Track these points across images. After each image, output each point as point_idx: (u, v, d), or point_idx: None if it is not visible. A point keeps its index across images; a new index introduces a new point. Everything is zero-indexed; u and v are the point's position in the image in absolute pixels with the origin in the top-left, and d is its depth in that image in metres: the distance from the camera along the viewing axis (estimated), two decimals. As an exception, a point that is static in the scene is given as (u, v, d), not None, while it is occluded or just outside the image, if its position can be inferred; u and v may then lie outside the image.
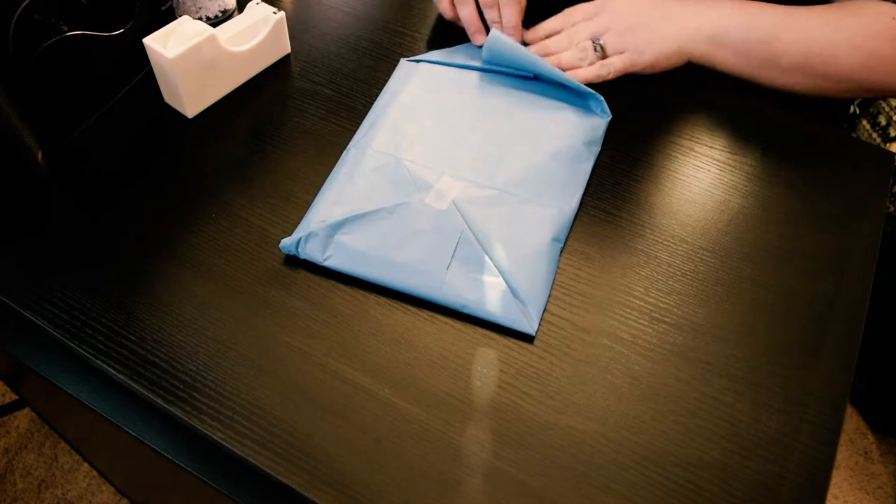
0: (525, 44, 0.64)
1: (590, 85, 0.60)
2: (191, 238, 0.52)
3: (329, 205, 0.52)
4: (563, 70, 0.61)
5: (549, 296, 0.49)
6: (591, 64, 0.61)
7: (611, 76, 0.61)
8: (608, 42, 0.61)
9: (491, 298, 0.47)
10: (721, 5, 0.62)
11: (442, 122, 0.58)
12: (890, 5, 0.59)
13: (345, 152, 0.56)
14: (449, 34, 0.67)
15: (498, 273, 0.48)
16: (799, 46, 0.59)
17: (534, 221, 0.51)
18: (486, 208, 0.52)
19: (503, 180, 0.54)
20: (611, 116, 0.59)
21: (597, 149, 0.58)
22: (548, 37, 0.64)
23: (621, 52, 0.61)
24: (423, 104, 0.59)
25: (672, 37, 0.61)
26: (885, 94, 0.62)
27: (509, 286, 0.48)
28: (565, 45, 0.62)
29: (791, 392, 0.45)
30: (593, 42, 0.61)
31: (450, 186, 0.53)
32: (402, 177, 0.53)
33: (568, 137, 0.57)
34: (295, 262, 0.50)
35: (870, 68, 0.59)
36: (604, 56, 0.61)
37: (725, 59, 0.61)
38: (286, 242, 0.50)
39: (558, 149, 0.56)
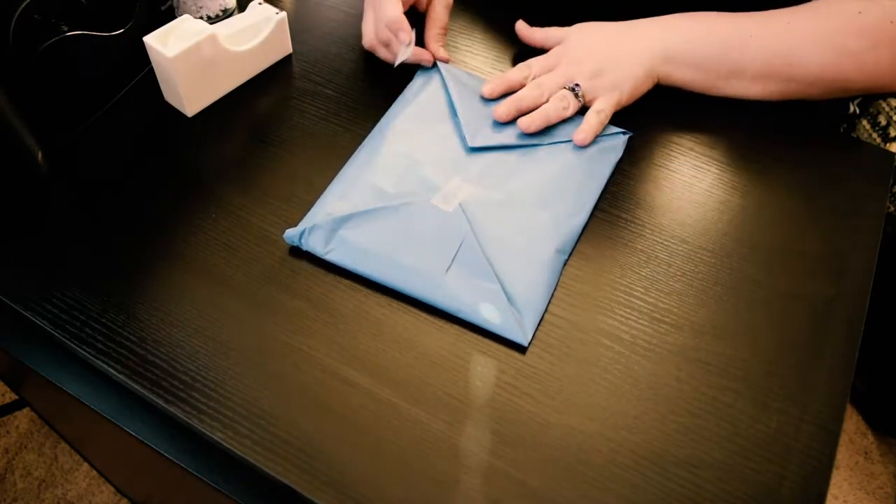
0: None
1: None
2: (191, 238, 0.52)
3: (336, 199, 0.52)
4: (552, 121, 0.58)
5: (549, 305, 0.49)
6: (575, 110, 0.58)
7: (608, 119, 0.58)
8: (584, 88, 0.58)
9: (487, 305, 0.47)
10: (674, 22, 0.60)
11: (458, 126, 0.58)
12: (853, 0, 0.57)
13: (359, 148, 0.57)
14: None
15: (497, 280, 0.48)
16: (762, 52, 0.57)
17: (539, 231, 0.51)
18: (492, 214, 0.51)
19: (513, 187, 0.53)
20: (630, 134, 0.59)
21: (612, 166, 0.57)
22: (510, 91, 0.60)
23: (598, 96, 0.59)
24: (441, 107, 0.59)
25: (636, 62, 0.59)
26: (857, 93, 0.60)
27: (507, 294, 0.47)
28: (538, 96, 0.58)
29: (791, 392, 0.45)
30: (572, 90, 0.58)
31: (458, 189, 0.53)
32: (411, 176, 0.53)
33: (585, 152, 0.57)
34: (295, 262, 0.50)
35: (838, 66, 0.57)
36: (584, 102, 0.59)
37: (688, 75, 0.60)
38: (290, 233, 0.50)
39: (573, 161, 0.56)
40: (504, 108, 0.58)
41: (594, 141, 0.57)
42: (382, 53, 0.64)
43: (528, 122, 0.57)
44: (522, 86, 0.60)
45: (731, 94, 0.61)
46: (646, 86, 0.60)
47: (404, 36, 0.59)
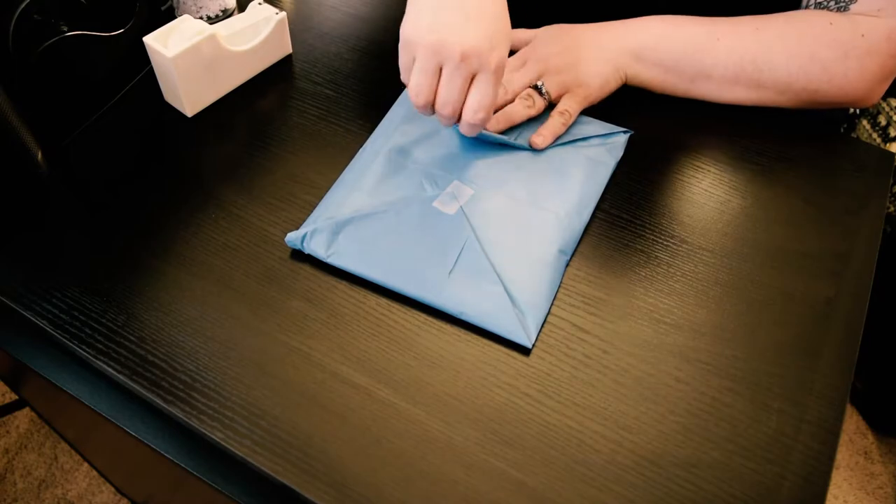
0: None
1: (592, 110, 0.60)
2: (191, 238, 0.52)
3: (338, 202, 0.52)
4: (516, 121, 0.57)
5: (552, 306, 0.49)
6: (540, 108, 0.58)
7: (573, 119, 0.58)
8: (549, 85, 0.58)
9: (490, 308, 0.47)
10: (643, 23, 0.59)
11: (457, 128, 0.57)
12: (825, 12, 0.57)
13: (360, 150, 0.56)
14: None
15: (499, 282, 0.48)
16: (730, 55, 0.57)
17: (542, 232, 0.51)
18: (494, 215, 0.51)
19: (514, 189, 0.53)
20: (631, 133, 0.59)
21: (613, 165, 0.57)
22: None
23: (565, 92, 0.58)
24: None
25: (604, 59, 0.59)
26: (828, 105, 0.59)
27: (510, 296, 0.47)
28: (502, 95, 0.58)
29: (791, 392, 0.45)
30: (535, 88, 0.58)
31: (460, 192, 0.53)
32: (413, 179, 0.53)
33: (586, 152, 0.57)
34: (295, 262, 0.50)
35: (807, 73, 0.56)
36: (550, 99, 0.58)
37: (657, 76, 0.59)
38: (292, 237, 0.50)
39: (573, 161, 0.56)
40: None
41: (595, 140, 0.57)
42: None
43: (491, 124, 0.56)
44: None
45: (700, 97, 0.60)
46: (614, 84, 0.60)
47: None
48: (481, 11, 0.47)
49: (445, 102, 0.49)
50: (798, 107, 0.60)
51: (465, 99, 0.49)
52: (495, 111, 0.57)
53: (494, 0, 0.48)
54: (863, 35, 0.55)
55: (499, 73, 0.48)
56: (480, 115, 0.49)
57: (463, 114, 0.50)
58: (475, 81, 0.49)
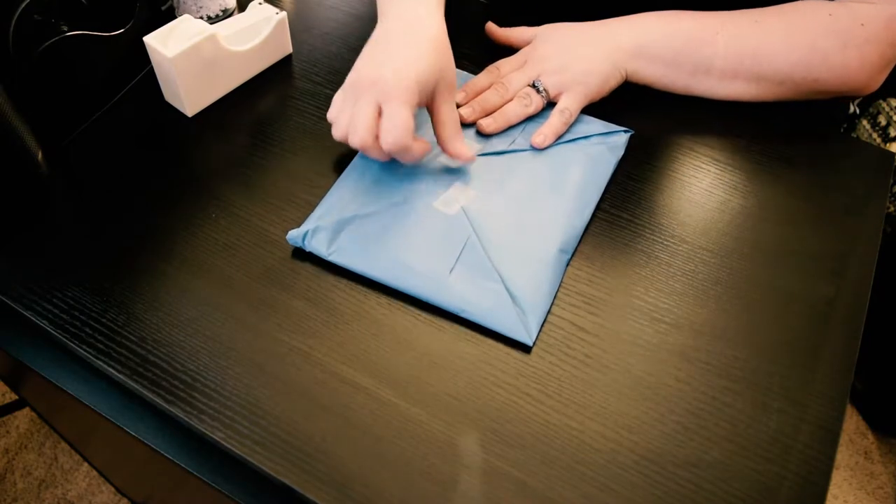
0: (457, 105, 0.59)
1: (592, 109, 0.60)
2: (191, 238, 0.52)
3: (339, 201, 0.52)
4: (513, 121, 0.57)
5: (552, 305, 0.49)
6: (538, 107, 0.58)
7: (573, 117, 0.58)
8: (548, 84, 0.58)
9: (491, 305, 0.47)
10: (641, 19, 0.59)
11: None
12: (824, 3, 0.57)
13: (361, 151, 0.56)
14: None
15: (500, 280, 0.48)
16: (730, 48, 0.57)
17: (542, 231, 0.51)
18: (494, 215, 0.51)
19: (515, 188, 0.53)
20: (632, 132, 0.59)
21: (614, 164, 0.57)
22: (479, 94, 0.59)
23: (564, 91, 0.58)
24: None
25: (603, 56, 0.58)
26: (827, 95, 0.59)
27: (511, 294, 0.47)
28: (503, 95, 0.58)
29: (791, 392, 0.45)
30: (534, 87, 0.58)
31: (460, 193, 0.53)
32: (413, 180, 0.53)
33: (586, 151, 0.57)
34: (295, 262, 0.50)
35: (808, 64, 0.56)
36: (548, 98, 0.58)
37: (656, 72, 0.59)
38: (293, 234, 0.50)
39: (574, 160, 0.56)
40: (469, 110, 0.57)
41: (595, 139, 0.57)
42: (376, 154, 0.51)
43: (488, 124, 0.57)
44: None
45: (700, 92, 0.60)
46: (614, 81, 0.60)
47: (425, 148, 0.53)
48: (392, 53, 0.51)
49: (353, 130, 0.50)
50: (798, 97, 0.60)
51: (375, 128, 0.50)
52: (496, 110, 0.58)
53: (410, 43, 0.51)
54: (862, 24, 0.55)
55: (402, 99, 0.49)
56: (389, 139, 0.49)
57: (380, 139, 0.50)
58: (382, 111, 0.49)
